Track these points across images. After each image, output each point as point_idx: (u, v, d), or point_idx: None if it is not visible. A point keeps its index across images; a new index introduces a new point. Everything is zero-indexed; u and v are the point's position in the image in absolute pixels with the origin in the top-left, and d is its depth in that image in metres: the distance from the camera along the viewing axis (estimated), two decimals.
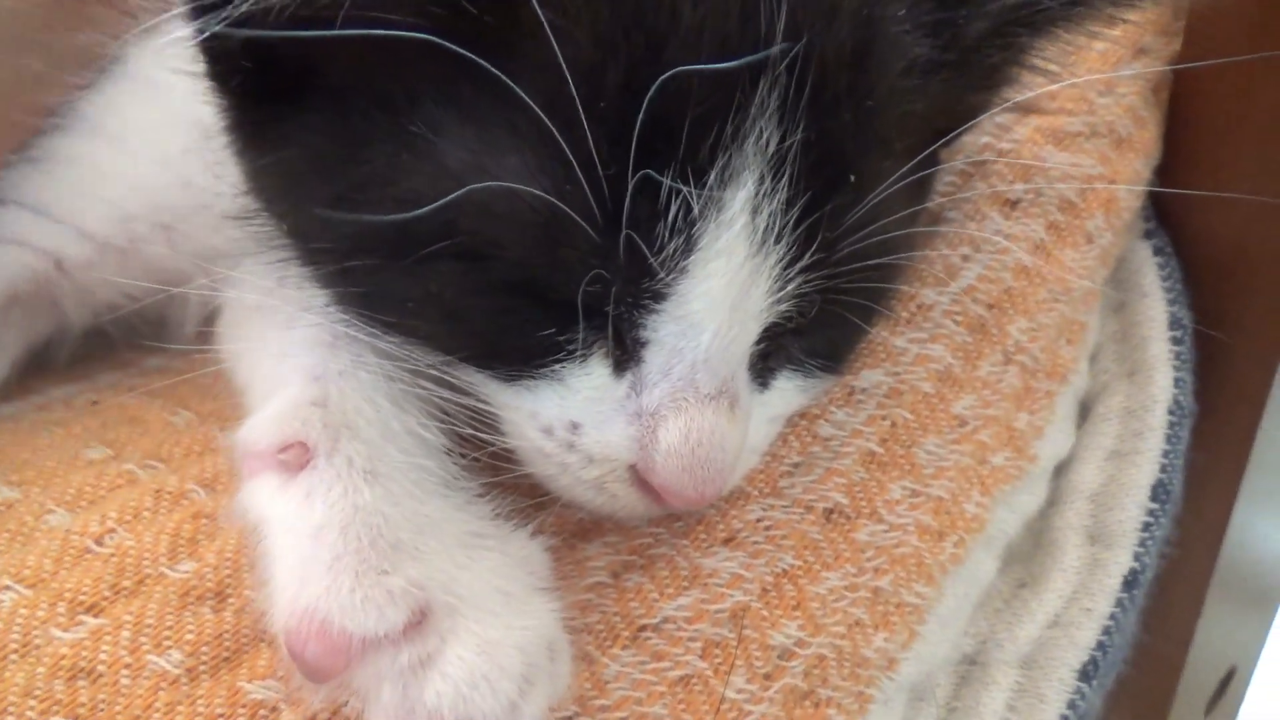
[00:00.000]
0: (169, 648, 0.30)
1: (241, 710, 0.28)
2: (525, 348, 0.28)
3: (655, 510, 0.30)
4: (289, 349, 0.32)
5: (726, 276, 0.27)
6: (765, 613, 0.31)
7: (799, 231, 0.27)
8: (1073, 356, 0.45)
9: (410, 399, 0.30)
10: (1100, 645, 0.42)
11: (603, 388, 0.28)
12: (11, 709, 0.27)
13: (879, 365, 0.38)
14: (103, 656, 0.29)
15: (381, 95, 0.27)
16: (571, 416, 0.28)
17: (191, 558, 0.32)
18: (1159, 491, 0.45)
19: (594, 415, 0.28)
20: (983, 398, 0.40)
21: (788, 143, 0.26)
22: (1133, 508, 0.44)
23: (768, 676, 0.31)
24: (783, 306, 0.28)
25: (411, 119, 0.26)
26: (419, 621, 0.24)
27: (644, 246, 0.25)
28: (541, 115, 0.24)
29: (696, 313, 0.27)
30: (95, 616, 0.30)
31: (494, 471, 0.33)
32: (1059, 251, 0.44)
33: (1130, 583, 0.43)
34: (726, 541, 0.33)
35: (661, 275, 0.26)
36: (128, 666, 0.29)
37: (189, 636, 0.30)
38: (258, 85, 0.28)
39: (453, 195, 0.25)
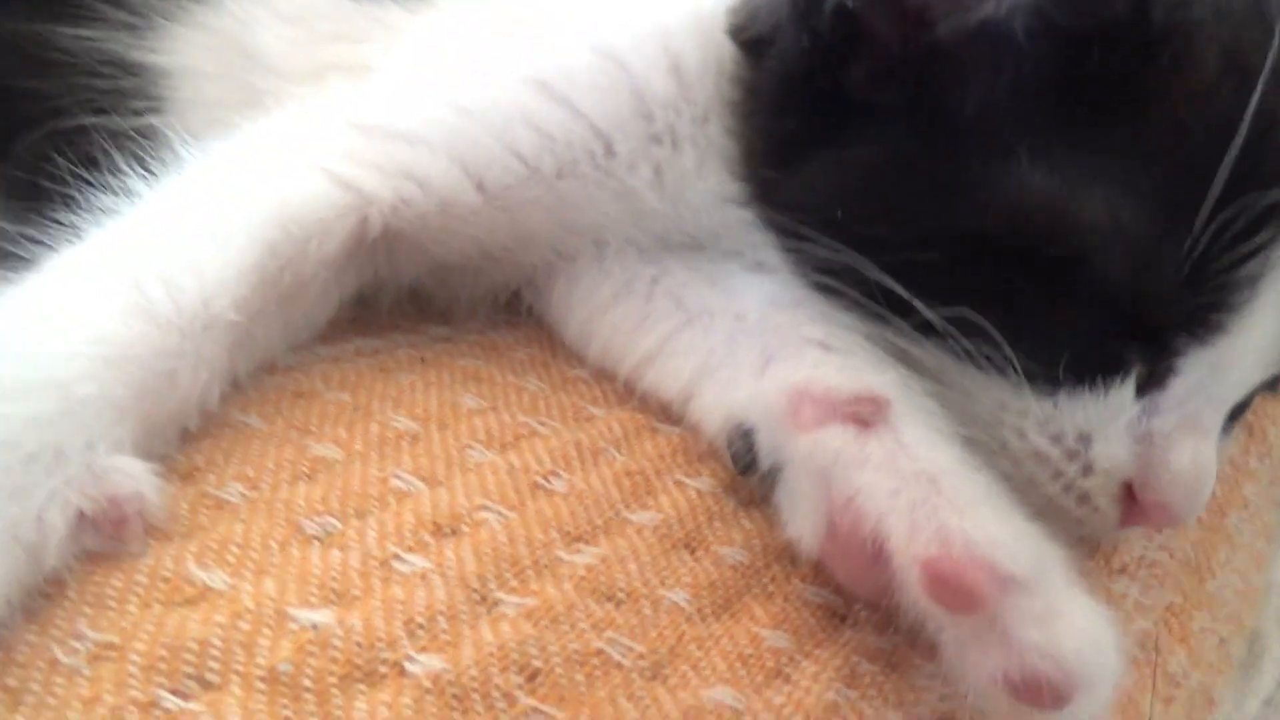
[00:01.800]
0: (673, 586, 0.29)
1: (767, 653, 0.28)
2: (1086, 358, 0.30)
3: (1117, 528, 0.32)
4: (772, 321, 0.33)
5: (1265, 329, 0.30)
6: (1164, 642, 0.34)
7: None
8: None
9: None
10: None
11: (1121, 406, 0.31)
12: (562, 618, 0.26)
13: None
14: (620, 583, 0.28)
15: (987, 115, 0.30)
16: (1086, 428, 0.31)
17: (646, 508, 0.32)
18: None
19: (1106, 430, 0.31)
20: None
21: None
22: None
23: (1166, 701, 0.33)
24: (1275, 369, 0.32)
25: (1020, 140, 0.29)
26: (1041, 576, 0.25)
27: (1225, 294, 0.29)
28: (1161, 166, 0.28)
29: (1233, 356, 0.30)
30: (591, 545, 0.29)
31: None
32: None
33: None
34: (1121, 571, 0.35)
35: (1221, 318, 0.30)
36: (645, 598, 0.28)
37: (686, 579, 0.29)
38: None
39: (1072, 212, 0.29)
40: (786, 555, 0.32)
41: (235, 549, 0.26)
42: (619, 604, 0.27)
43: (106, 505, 0.24)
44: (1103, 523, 0.32)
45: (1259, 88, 0.28)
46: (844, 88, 0.32)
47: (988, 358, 0.30)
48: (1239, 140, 0.28)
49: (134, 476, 0.25)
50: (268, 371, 0.36)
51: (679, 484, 0.33)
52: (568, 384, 0.40)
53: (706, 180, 0.39)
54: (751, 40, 0.36)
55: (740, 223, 0.39)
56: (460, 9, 0.43)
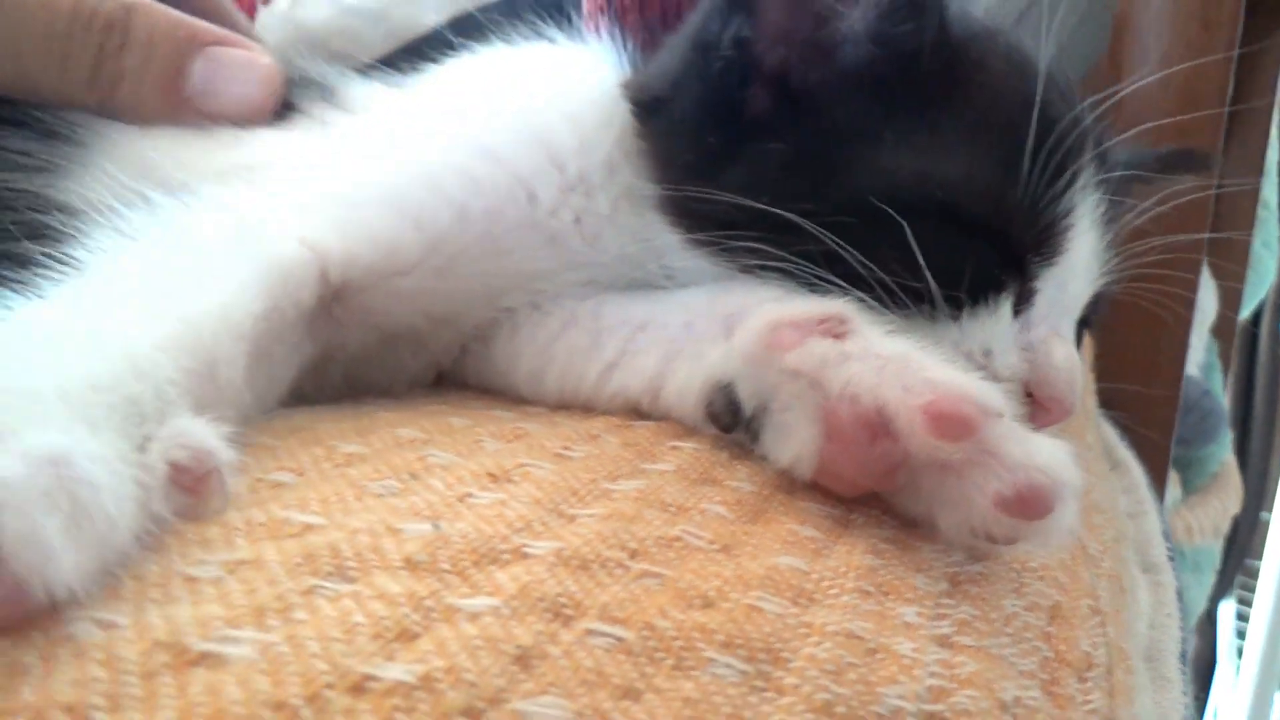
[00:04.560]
0: (710, 502, 0.32)
1: (806, 540, 0.31)
2: (975, 286, 0.38)
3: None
4: (723, 303, 0.39)
5: (1087, 250, 0.41)
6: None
7: (1109, 235, 0.42)
8: None
9: None
10: (1184, 640, 0.54)
11: (1006, 323, 0.39)
12: (634, 519, 0.28)
13: None
14: (667, 500, 0.31)
15: (855, 117, 0.39)
16: (987, 344, 0.39)
17: (657, 463, 0.35)
18: (1166, 535, 0.60)
19: (1001, 344, 0.39)
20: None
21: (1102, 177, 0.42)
22: (1159, 546, 0.59)
23: (1096, 575, 0.39)
24: (1099, 284, 0.42)
25: (883, 128, 0.39)
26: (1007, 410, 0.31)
27: (1055, 222, 0.39)
28: (987, 132, 0.39)
29: (1071, 271, 0.40)
30: (629, 480, 0.32)
31: None
32: None
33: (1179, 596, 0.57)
34: None
35: (1057, 241, 0.40)
36: (692, 509, 0.30)
37: (717, 499, 0.32)
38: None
39: (939, 174, 0.38)
40: (784, 486, 0.36)
41: (315, 503, 0.26)
42: (674, 513, 0.30)
43: (194, 456, 0.24)
44: None
45: (1040, 73, 0.39)
46: (744, 109, 0.40)
47: (905, 296, 0.38)
48: (1037, 107, 0.38)
49: (210, 435, 0.25)
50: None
51: (674, 448, 0.37)
52: (531, 414, 0.43)
53: (621, 221, 0.45)
54: (650, 100, 0.44)
55: (657, 254, 0.45)
56: (377, 110, 0.48)
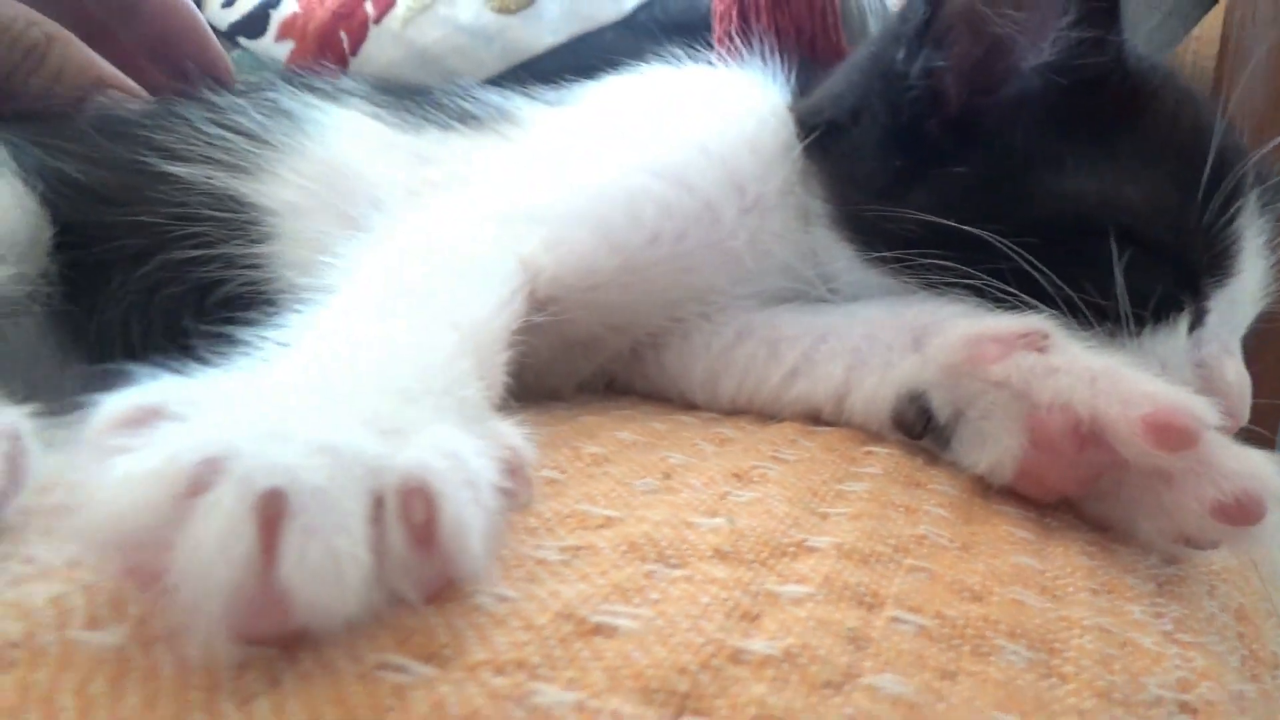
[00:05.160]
0: (928, 504, 0.34)
1: (1021, 542, 0.33)
2: (1157, 304, 0.40)
3: None
4: (906, 315, 0.41)
5: (1257, 272, 0.43)
6: None
7: (1274, 258, 0.44)
8: None
9: None
10: None
11: (1181, 341, 0.41)
12: (880, 516, 0.30)
13: None
14: (895, 501, 0.33)
15: (1034, 142, 0.41)
16: (1163, 360, 0.40)
17: (864, 466, 0.37)
18: None
19: (1175, 360, 0.40)
20: None
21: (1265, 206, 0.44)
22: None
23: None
24: (1263, 304, 0.44)
25: (1063, 154, 0.41)
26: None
27: (1228, 245, 0.41)
28: (1163, 161, 0.40)
29: (1241, 292, 0.42)
30: (853, 482, 0.34)
31: None
32: None
33: None
34: None
35: (1230, 264, 0.41)
36: (917, 510, 0.32)
37: (931, 502, 0.34)
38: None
39: (1122, 197, 0.39)
40: (978, 490, 0.37)
41: (600, 498, 0.29)
42: (907, 513, 0.32)
43: (510, 454, 0.27)
44: None
45: (1220, 104, 0.41)
46: (925, 134, 0.43)
47: (1089, 312, 0.40)
48: (1217, 135, 0.40)
49: (517, 434, 0.28)
50: None
51: (869, 453, 0.39)
52: (710, 419, 0.45)
53: (791, 239, 0.48)
54: (824, 123, 0.47)
55: (823, 270, 0.47)
56: (552, 126, 0.51)
